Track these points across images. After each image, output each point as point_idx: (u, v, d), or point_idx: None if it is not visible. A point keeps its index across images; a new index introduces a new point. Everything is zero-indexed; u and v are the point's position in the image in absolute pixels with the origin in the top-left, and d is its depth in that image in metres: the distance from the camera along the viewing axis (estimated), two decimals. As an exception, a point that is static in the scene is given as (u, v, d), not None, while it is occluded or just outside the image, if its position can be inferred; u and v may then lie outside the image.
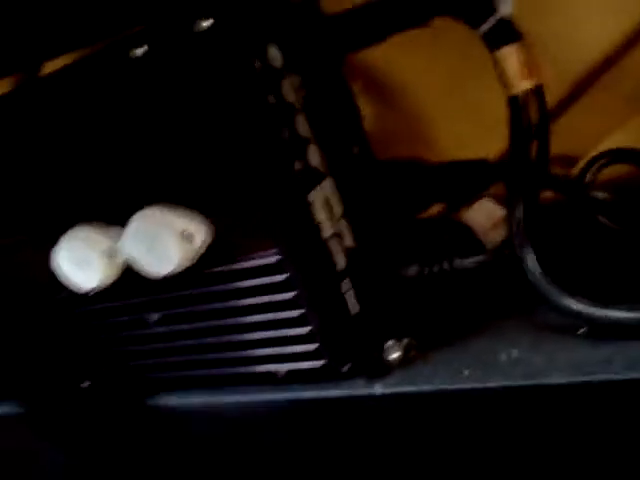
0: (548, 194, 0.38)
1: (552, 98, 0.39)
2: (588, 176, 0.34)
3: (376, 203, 0.35)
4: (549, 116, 0.30)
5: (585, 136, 0.39)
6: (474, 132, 0.40)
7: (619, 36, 0.37)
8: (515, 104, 0.30)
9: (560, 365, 0.27)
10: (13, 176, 0.38)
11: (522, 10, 0.36)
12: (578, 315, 0.27)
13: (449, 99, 0.41)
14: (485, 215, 0.34)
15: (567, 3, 0.37)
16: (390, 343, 0.34)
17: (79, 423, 0.42)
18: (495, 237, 0.33)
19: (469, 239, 0.34)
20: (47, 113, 0.35)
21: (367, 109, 0.42)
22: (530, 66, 0.29)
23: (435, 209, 0.41)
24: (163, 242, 0.33)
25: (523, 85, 0.29)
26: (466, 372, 0.30)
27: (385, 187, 0.36)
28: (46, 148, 0.36)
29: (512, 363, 0.29)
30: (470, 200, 0.35)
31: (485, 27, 0.29)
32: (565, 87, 0.39)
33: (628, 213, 0.33)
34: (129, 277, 0.36)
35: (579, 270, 0.30)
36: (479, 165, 0.36)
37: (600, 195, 0.33)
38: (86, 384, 0.43)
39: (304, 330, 0.33)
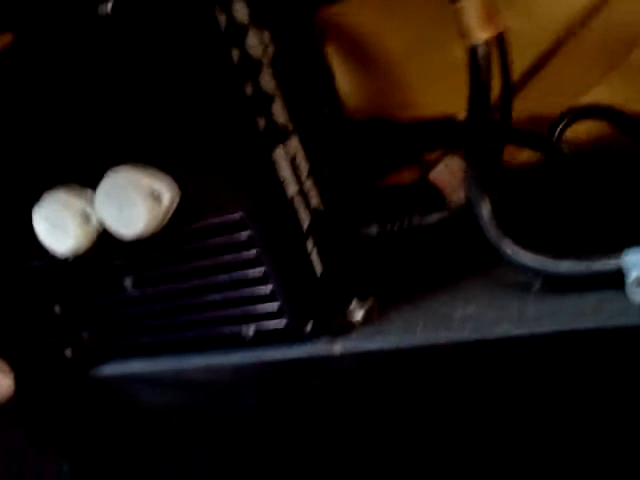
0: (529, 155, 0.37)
1: (532, 54, 0.39)
2: (557, 132, 0.33)
3: (344, 163, 0.35)
4: (510, 67, 0.29)
5: (565, 92, 0.38)
6: (449, 91, 0.39)
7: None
8: (474, 54, 0.29)
9: (510, 319, 0.27)
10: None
11: None
12: (527, 267, 0.27)
13: (423, 59, 0.40)
14: (451, 173, 0.33)
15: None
16: (353, 303, 0.34)
17: (60, 391, 0.43)
18: (461, 195, 0.33)
19: (434, 197, 0.33)
20: (24, 75, 0.36)
21: (341, 70, 0.42)
22: (490, 16, 0.29)
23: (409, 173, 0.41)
24: (132, 201, 0.33)
25: (483, 35, 0.29)
26: (421, 329, 0.29)
27: (353, 147, 0.36)
28: (22, 111, 0.37)
29: (465, 318, 0.29)
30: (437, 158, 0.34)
31: (444, -22, 0.29)
32: (545, 42, 0.38)
33: (594, 170, 0.32)
34: (103, 241, 0.37)
35: (538, 225, 0.29)
36: (447, 123, 0.36)
37: (567, 150, 0.32)
38: (69, 352, 0.44)
39: (267, 289, 0.33)
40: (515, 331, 0.26)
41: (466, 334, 0.27)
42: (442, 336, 0.28)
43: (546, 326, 0.25)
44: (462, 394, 0.28)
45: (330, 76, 0.37)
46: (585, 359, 0.24)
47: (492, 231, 0.28)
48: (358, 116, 0.37)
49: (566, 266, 0.26)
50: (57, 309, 0.42)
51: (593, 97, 0.37)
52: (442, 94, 0.40)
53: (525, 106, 0.35)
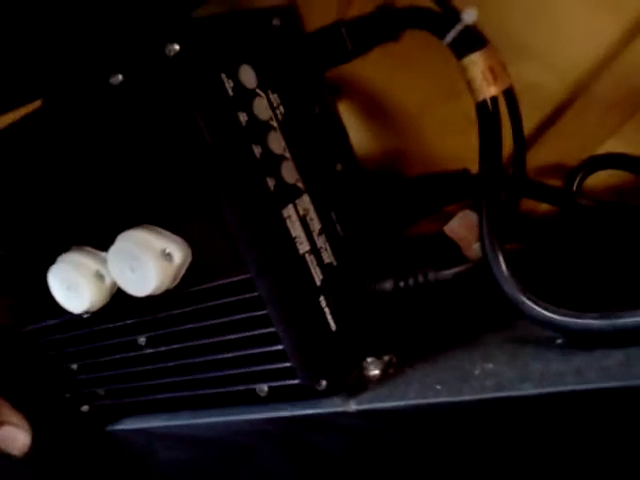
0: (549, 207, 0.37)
1: (550, 105, 0.39)
2: (575, 183, 0.33)
3: (358, 218, 0.35)
4: (522, 120, 0.29)
5: (582, 142, 0.38)
6: (462, 145, 0.39)
7: (610, 41, 0.36)
8: (483, 110, 0.29)
9: (532, 376, 0.26)
10: (12, 201, 0.40)
11: (521, 23, 0.37)
12: (548, 323, 0.26)
13: (437, 113, 0.41)
14: (467, 226, 0.33)
15: (558, 15, 0.37)
16: (370, 360, 0.33)
17: (77, 446, 0.43)
18: (476, 248, 0.33)
19: (450, 250, 0.33)
20: (46, 141, 0.37)
21: (355, 124, 0.42)
22: (496, 72, 0.29)
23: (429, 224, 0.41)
24: (143, 262, 0.33)
25: (490, 91, 0.29)
26: (439, 386, 0.29)
27: (368, 202, 0.36)
28: (41, 175, 0.37)
29: (485, 376, 0.28)
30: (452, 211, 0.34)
31: (450, 37, 0.29)
32: (563, 93, 0.38)
33: (616, 221, 0.32)
34: (117, 300, 0.37)
35: (557, 279, 0.29)
36: (460, 177, 0.35)
37: (586, 203, 0.32)
38: (85, 408, 0.44)
39: (279, 348, 0.32)
40: (539, 389, 0.25)
41: (488, 392, 0.27)
42: (463, 393, 0.28)
43: (571, 384, 0.24)
44: (483, 453, 0.28)
45: (343, 132, 0.37)
46: (612, 418, 0.23)
47: (510, 286, 0.27)
48: (372, 170, 0.37)
49: (589, 322, 0.25)
50: (74, 366, 0.43)
51: (608, 147, 0.37)
52: (456, 148, 0.40)
53: (543, 156, 0.35)
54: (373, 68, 0.37)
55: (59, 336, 0.42)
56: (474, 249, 0.33)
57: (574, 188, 0.33)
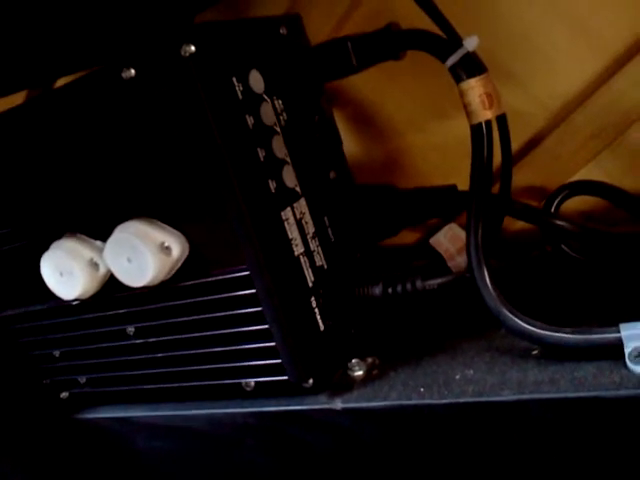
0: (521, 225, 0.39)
1: (531, 131, 0.41)
2: (553, 206, 0.36)
3: (348, 225, 0.37)
4: (510, 145, 0.32)
5: (559, 167, 0.41)
6: (450, 161, 0.41)
7: (591, 75, 0.38)
8: (477, 132, 0.31)
9: (511, 384, 0.28)
10: (11, 183, 0.40)
11: (508, 52, 0.39)
12: (527, 335, 0.28)
13: (425, 129, 0.43)
14: (451, 239, 0.35)
15: (546, 46, 0.39)
16: (354, 361, 0.35)
17: (54, 436, 0.43)
18: (460, 261, 0.35)
19: (435, 262, 0.35)
20: (47, 129, 0.37)
21: (347, 136, 0.44)
22: (492, 98, 0.31)
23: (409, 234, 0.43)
24: (141, 253, 0.34)
25: (485, 115, 0.31)
26: (422, 389, 0.30)
27: (358, 210, 0.37)
28: (42, 161, 0.38)
29: (466, 382, 0.30)
30: (438, 225, 0.36)
31: (451, 61, 0.31)
32: (543, 120, 0.41)
33: (590, 242, 0.34)
34: (108, 289, 0.38)
35: (537, 295, 0.31)
36: (448, 191, 0.37)
37: (564, 224, 0.34)
38: (65, 395, 0.44)
39: (270, 345, 0.34)
40: (517, 396, 0.27)
41: (469, 396, 0.28)
42: (445, 397, 0.29)
43: (547, 393, 0.26)
44: (462, 454, 0.29)
45: (338, 141, 0.38)
46: (584, 424, 0.26)
47: (492, 298, 0.29)
48: (363, 181, 0.39)
49: (565, 337, 0.27)
50: (56, 353, 0.43)
51: (583, 174, 0.40)
52: (439, 164, 0.42)
53: (521, 177, 0.38)
54: (365, 80, 0.38)
55: (42, 322, 0.42)
56: (457, 261, 0.35)
57: (552, 210, 0.36)
